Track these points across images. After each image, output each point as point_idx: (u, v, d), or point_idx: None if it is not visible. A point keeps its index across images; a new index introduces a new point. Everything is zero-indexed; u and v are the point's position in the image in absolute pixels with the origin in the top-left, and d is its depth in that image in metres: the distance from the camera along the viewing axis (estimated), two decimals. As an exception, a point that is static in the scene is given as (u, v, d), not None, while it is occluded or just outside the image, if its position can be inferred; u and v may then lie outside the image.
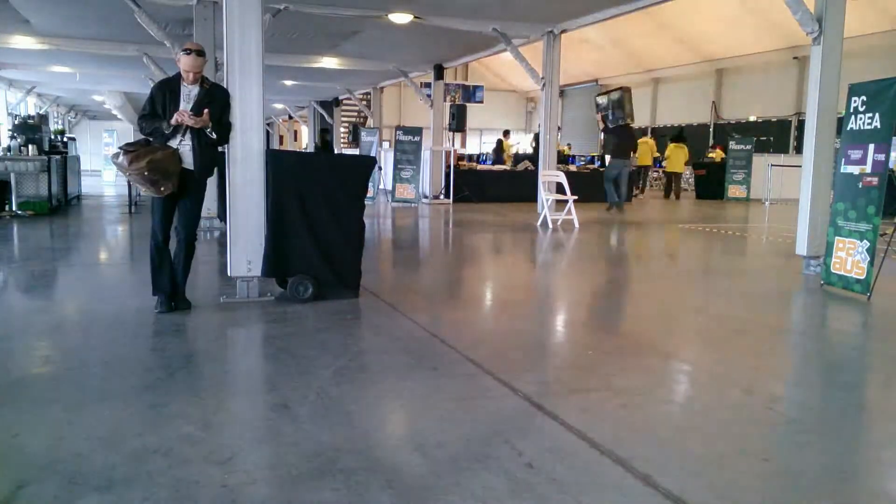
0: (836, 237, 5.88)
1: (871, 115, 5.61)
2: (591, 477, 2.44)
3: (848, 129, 5.84)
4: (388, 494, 2.27)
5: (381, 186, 16.75)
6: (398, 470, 2.46)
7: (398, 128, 16.76)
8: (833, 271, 5.89)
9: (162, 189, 4.48)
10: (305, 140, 31.27)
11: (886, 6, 17.01)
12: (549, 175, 11.94)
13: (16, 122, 13.08)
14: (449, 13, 11.38)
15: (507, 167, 17.46)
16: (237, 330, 4.54)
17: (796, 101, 20.92)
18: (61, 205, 11.89)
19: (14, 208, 10.74)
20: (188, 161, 4.61)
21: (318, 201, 5.03)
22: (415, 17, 11.27)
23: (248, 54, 4.92)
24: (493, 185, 15.97)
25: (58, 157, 11.96)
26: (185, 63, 4.58)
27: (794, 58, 20.56)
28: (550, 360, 4.09)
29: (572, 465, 2.52)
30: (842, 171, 5.88)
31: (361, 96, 23.58)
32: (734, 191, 17.94)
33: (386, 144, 21.94)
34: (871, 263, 5.49)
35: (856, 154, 5.73)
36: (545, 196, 11.45)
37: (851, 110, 5.80)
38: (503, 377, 3.47)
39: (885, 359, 4.25)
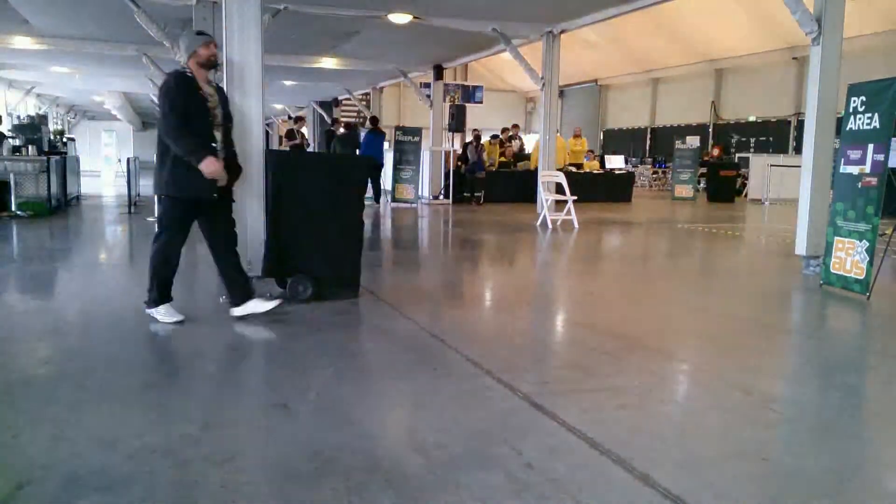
0: (836, 237, 5.88)
1: (870, 115, 5.62)
2: (590, 476, 2.44)
3: (847, 129, 5.84)
4: (388, 494, 2.27)
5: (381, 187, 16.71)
6: (398, 470, 2.46)
7: (398, 128, 16.74)
8: (832, 271, 5.90)
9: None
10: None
11: (886, 6, 17.03)
12: (549, 175, 11.94)
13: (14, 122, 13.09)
14: (448, 13, 11.38)
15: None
16: (237, 330, 4.54)
17: (795, 101, 20.94)
18: (61, 205, 11.88)
19: (14, 209, 10.73)
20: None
21: (318, 201, 5.02)
22: (414, 17, 11.27)
23: (248, 54, 4.92)
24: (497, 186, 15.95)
25: (57, 157, 11.98)
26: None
27: (794, 58, 20.58)
28: (550, 360, 4.09)
29: (572, 464, 2.53)
30: (841, 171, 5.88)
31: (361, 96, 23.59)
32: (680, 191, 18.32)
33: (385, 144, 21.92)
34: (871, 263, 5.50)
35: (855, 154, 5.73)
36: (544, 196, 11.45)
37: (850, 110, 5.81)
38: (503, 377, 3.47)
39: (885, 359, 4.25)
